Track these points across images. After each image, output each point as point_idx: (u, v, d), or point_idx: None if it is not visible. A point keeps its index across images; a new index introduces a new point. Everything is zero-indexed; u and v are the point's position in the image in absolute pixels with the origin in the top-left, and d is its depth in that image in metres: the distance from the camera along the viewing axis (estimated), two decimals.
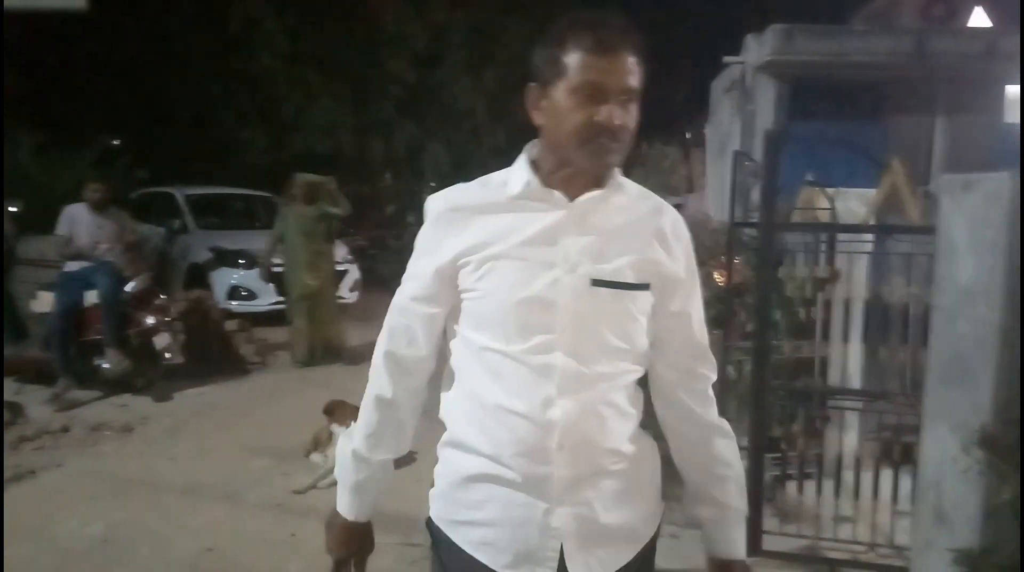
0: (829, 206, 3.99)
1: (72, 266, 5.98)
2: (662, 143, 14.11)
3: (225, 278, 8.56)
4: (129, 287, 6.02)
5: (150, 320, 5.98)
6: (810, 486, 3.60)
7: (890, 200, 3.84)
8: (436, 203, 1.36)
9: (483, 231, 1.29)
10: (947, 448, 2.34)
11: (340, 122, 14.70)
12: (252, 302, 8.49)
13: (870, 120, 7.28)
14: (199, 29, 14.42)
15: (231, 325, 7.41)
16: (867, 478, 3.45)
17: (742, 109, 7.66)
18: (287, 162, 14.45)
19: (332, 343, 7.17)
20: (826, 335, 3.87)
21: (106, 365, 5.85)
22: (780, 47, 7.06)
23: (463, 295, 1.31)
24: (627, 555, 1.35)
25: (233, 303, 8.39)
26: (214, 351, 7.09)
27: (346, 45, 14.71)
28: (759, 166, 3.71)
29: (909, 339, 3.73)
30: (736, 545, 1.44)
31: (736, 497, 1.43)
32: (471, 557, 1.32)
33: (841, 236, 3.81)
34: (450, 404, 1.37)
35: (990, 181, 2.31)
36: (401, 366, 1.38)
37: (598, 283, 1.27)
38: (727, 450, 1.43)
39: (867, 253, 3.77)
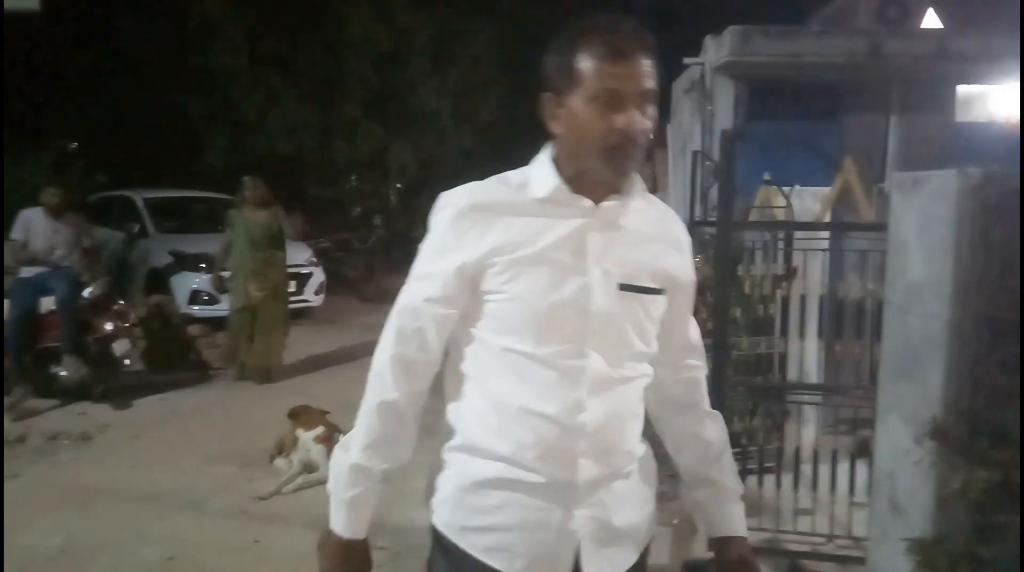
0: (786, 204, 4.07)
1: (28, 272, 5.86)
2: None
3: (186, 283, 8.43)
4: (87, 293, 5.91)
5: (108, 326, 5.88)
6: (770, 480, 3.66)
7: (844, 198, 3.93)
8: (456, 199, 1.30)
9: (509, 232, 1.26)
10: (900, 440, 2.40)
11: (303, 123, 14.57)
12: (213, 307, 8.35)
13: (826, 119, 7.39)
14: (157, 29, 14.20)
15: (193, 330, 7.31)
16: (825, 471, 3.52)
17: (702, 109, 7.74)
18: (249, 164, 14.30)
19: (267, 362, 6.59)
20: (784, 331, 3.95)
21: (63, 373, 5.73)
22: (738, 48, 7.14)
23: (487, 297, 1.28)
24: (634, 555, 1.36)
25: (194, 308, 8.27)
26: (175, 357, 6.99)
27: (308, 46, 14.59)
28: (717, 165, 3.77)
29: (864, 334, 3.82)
30: (736, 521, 1.47)
31: (732, 477, 1.48)
32: (483, 564, 1.28)
33: (798, 234, 3.89)
34: (462, 408, 1.33)
35: (938, 178, 2.37)
36: (411, 370, 1.32)
37: (625, 287, 1.29)
38: (720, 434, 1.49)
39: (823, 250, 3.85)
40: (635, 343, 1.32)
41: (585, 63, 1.22)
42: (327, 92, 14.75)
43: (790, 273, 3.86)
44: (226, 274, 6.73)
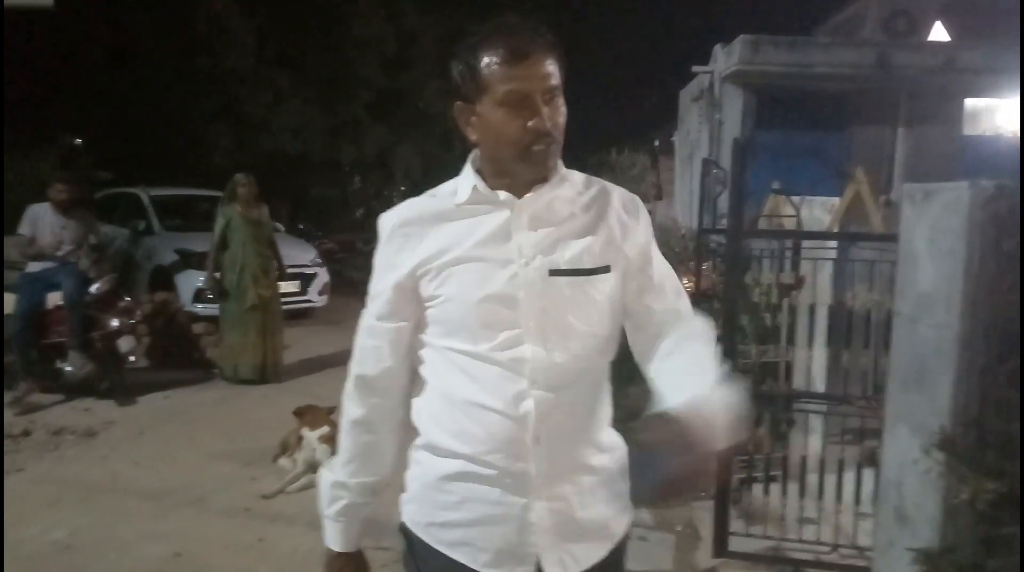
0: (794, 213, 4.08)
1: (35, 267, 5.87)
2: (631, 150, 14.25)
3: (191, 280, 8.43)
4: (93, 289, 5.92)
5: (114, 323, 5.89)
6: (775, 488, 3.66)
7: (854, 208, 3.93)
8: (388, 220, 1.36)
9: (438, 240, 1.31)
10: (908, 450, 2.41)
11: (309, 124, 14.62)
12: (218, 305, 8.39)
13: (834, 130, 7.43)
14: (165, 28, 14.25)
15: (197, 328, 7.31)
16: (831, 480, 3.52)
17: (710, 118, 7.77)
18: (255, 163, 14.33)
19: (271, 360, 6.57)
20: (791, 340, 3.95)
21: (69, 368, 5.74)
22: (747, 57, 7.18)
23: (427, 304, 1.32)
24: (600, 552, 1.36)
25: (199, 306, 8.27)
26: (179, 354, 7.00)
27: (315, 47, 14.65)
28: (727, 174, 3.78)
29: (871, 344, 3.82)
30: (699, 387, 1.22)
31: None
32: (449, 558, 1.32)
33: (806, 243, 3.89)
34: (421, 408, 1.38)
35: (949, 190, 2.38)
36: (372, 387, 1.38)
37: (556, 273, 1.29)
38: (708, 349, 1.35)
39: (831, 260, 3.86)
40: (577, 327, 1.30)
41: (488, 69, 1.24)
42: (333, 93, 14.82)
43: (798, 282, 3.87)
44: (218, 274, 6.45)
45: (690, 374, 1.26)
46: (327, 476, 1.44)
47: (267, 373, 6.50)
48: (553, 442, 1.29)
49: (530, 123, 1.23)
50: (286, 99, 14.40)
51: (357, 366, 1.40)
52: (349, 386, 1.41)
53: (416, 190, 1.43)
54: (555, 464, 1.30)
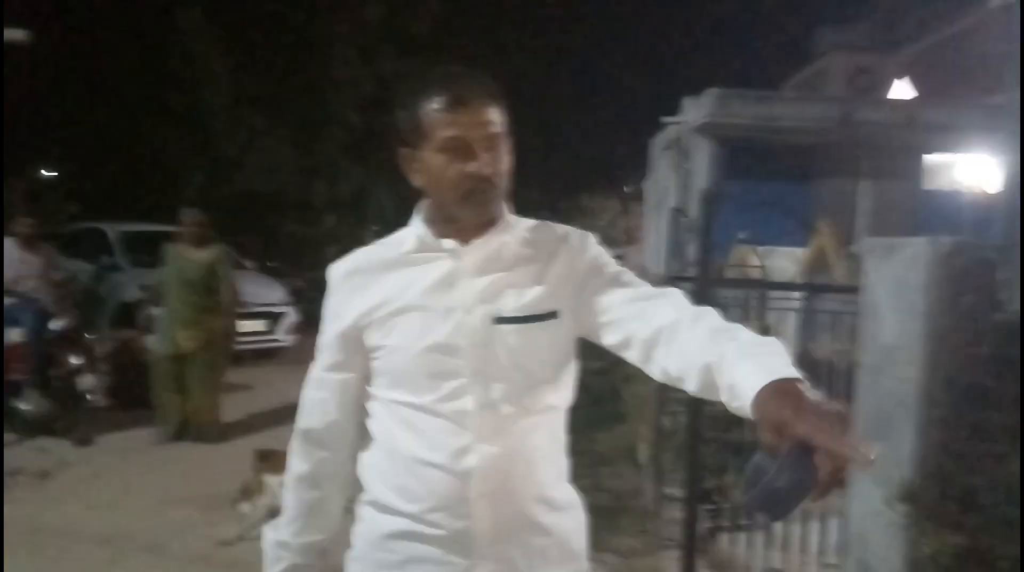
0: (760, 264, 4.15)
1: None
2: (603, 196, 14.44)
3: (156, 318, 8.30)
4: (54, 325, 5.80)
5: (75, 361, 5.77)
6: (743, 538, 3.65)
7: (818, 260, 4.01)
8: (335, 271, 1.36)
9: (383, 289, 1.30)
10: (871, 502, 2.42)
11: (283, 162, 14.63)
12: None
13: (799, 181, 7.62)
14: (140, 64, 14.27)
15: None
16: (797, 530, 3.52)
17: (679, 167, 7.93)
18: (227, 200, 14.27)
19: (202, 420, 5.81)
20: None
21: (25, 407, 5.59)
22: (716, 110, 7.36)
23: (372, 354, 1.31)
24: None
25: None
26: (143, 393, 6.85)
27: (291, 87, 14.73)
28: (695, 223, 3.84)
29: (835, 394, 3.86)
30: (771, 366, 1.01)
31: (753, 337, 1.13)
32: None
33: (772, 293, 3.95)
34: (366, 463, 1.35)
35: (909, 246, 2.44)
36: (318, 442, 1.36)
37: (501, 321, 1.26)
38: (716, 321, 1.20)
39: (796, 310, 3.92)
40: (525, 377, 1.27)
41: (429, 116, 1.24)
42: (308, 133, 14.86)
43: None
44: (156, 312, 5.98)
45: (751, 354, 1.05)
46: (270, 535, 1.41)
47: (188, 432, 5.76)
48: (498, 499, 1.25)
49: (468, 168, 1.23)
50: (261, 138, 14.42)
51: (303, 419, 1.38)
52: (294, 441, 1.38)
53: (390, 230, 1.43)
54: (501, 523, 1.26)
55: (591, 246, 1.36)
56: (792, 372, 0.98)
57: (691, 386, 1.14)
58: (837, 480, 0.88)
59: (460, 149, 1.23)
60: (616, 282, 1.31)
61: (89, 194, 12.85)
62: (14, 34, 4.14)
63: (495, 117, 1.25)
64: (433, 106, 1.24)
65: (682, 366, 1.15)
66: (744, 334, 1.13)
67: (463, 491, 1.23)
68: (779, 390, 0.95)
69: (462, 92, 1.24)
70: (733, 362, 1.05)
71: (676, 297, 1.28)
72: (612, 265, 1.35)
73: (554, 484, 1.33)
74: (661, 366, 1.20)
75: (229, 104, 14.27)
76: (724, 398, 1.06)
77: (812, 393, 0.95)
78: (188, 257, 5.82)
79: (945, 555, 2.12)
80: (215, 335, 5.85)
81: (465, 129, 1.23)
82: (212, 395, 5.90)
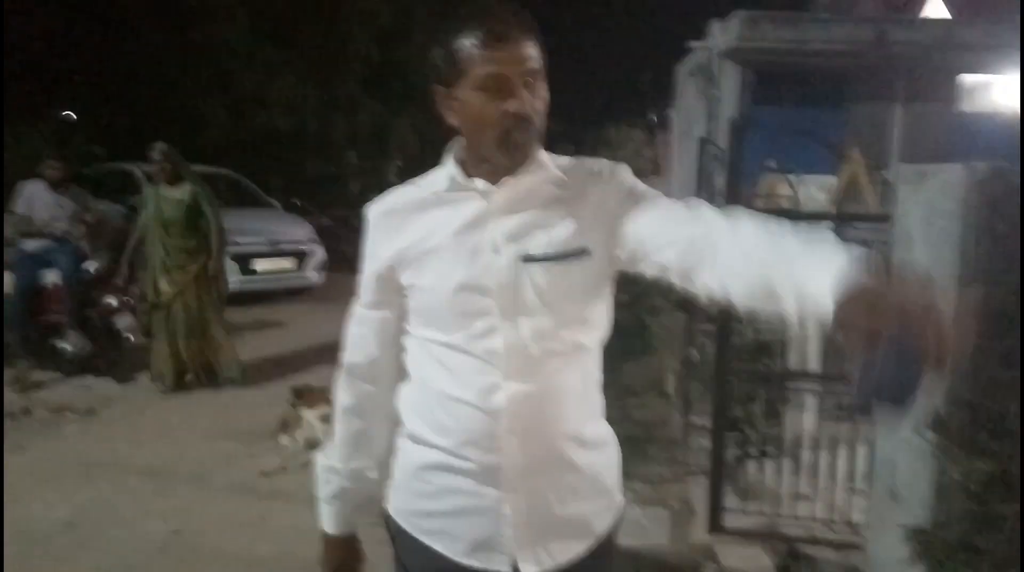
0: (791, 193, 4.08)
1: (30, 245, 5.86)
2: (627, 125, 14.18)
3: None
4: (89, 266, 5.92)
5: (111, 300, 5.89)
6: (770, 465, 3.71)
7: (850, 189, 3.94)
8: (371, 211, 1.37)
9: (415, 229, 1.30)
10: (900, 430, 2.44)
11: (302, 98, 14.51)
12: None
13: (831, 107, 7.42)
14: (157, 1, 14.08)
15: None
16: (824, 457, 3.57)
17: (706, 94, 7.74)
18: (249, 139, 14.25)
19: (207, 363, 5.60)
20: None
21: (67, 346, 5.76)
22: (744, 34, 7.13)
23: (406, 293, 1.33)
24: (579, 549, 1.33)
25: None
26: None
27: (308, 20, 14.49)
28: (723, 152, 3.78)
29: None
30: (845, 270, 0.92)
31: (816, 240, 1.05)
32: (428, 547, 1.33)
33: (802, 222, 3.90)
34: (403, 398, 1.39)
35: (944, 172, 2.39)
36: (361, 376, 1.40)
37: (529, 259, 1.25)
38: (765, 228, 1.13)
39: None
40: (554, 315, 1.26)
41: (466, 52, 1.20)
42: (327, 68, 14.68)
43: None
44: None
45: (807, 255, 1.01)
46: (321, 460, 1.46)
47: (191, 381, 5.59)
48: (528, 436, 1.27)
49: (507, 107, 1.20)
50: (279, 74, 14.28)
51: (347, 354, 1.41)
52: (340, 374, 1.43)
53: (412, 165, 1.43)
54: (531, 459, 1.27)
55: (623, 177, 1.34)
56: (858, 263, 0.92)
57: (745, 301, 1.10)
58: (945, 352, 0.85)
59: (499, 87, 1.20)
60: (650, 207, 1.29)
61: (112, 135, 12.86)
62: None
63: (534, 52, 1.22)
64: (471, 42, 1.19)
65: (730, 283, 1.11)
66: (788, 235, 1.08)
67: (493, 428, 1.25)
68: (855, 292, 0.89)
69: (501, 27, 1.19)
70: (796, 269, 1.00)
71: (707, 212, 1.23)
72: (646, 192, 1.33)
73: (586, 422, 1.35)
74: (708, 286, 1.16)
75: (246, 38, 14.10)
76: (790, 308, 1.01)
77: (881, 274, 0.89)
78: (164, 195, 5.51)
79: (974, 481, 2.14)
80: (201, 278, 5.54)
81: (504, 65, 1.19)
82: (213, 340, 5.61)
